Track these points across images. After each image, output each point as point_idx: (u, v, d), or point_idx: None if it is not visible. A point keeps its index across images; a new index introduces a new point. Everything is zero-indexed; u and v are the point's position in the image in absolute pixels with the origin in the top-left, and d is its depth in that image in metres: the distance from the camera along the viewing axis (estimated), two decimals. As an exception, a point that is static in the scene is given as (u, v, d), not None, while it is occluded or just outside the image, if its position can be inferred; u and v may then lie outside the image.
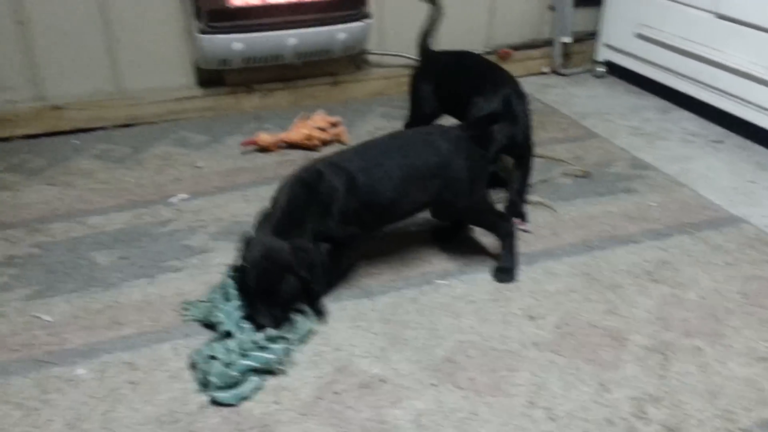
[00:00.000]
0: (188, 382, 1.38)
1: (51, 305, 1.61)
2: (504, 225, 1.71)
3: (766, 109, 2.31)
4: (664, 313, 1.57)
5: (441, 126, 1.76)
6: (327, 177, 1.52)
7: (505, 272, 1.69)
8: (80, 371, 1.42)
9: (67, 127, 2.47)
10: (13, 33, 2.35)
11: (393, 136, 1.68)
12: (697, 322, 1.55)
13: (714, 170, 2.25)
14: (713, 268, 1.74)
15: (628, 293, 1.65)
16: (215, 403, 1.33)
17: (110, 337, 1.51)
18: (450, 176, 1.59)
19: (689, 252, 1.80)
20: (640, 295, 1.64)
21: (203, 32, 2.39)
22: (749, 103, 2.37)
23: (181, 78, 2.62)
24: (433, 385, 1.38)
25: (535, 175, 2.17)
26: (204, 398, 1.34)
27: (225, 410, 1.32)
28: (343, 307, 1.59)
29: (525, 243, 1.84)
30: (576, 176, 2.19)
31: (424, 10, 2.82)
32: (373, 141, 1.65)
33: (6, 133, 2.40)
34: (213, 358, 1.37)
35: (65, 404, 1.34)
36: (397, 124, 2.53)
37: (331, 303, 1.59)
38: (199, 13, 2.38)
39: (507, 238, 1.70)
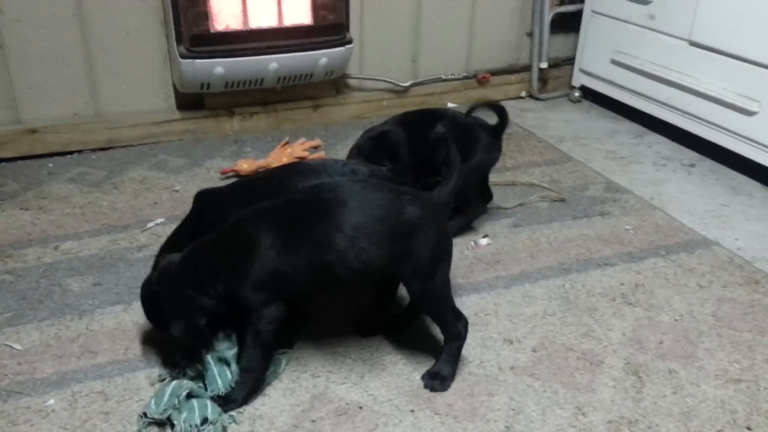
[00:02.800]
0: (162, 410, 1.36)
1: (22, 333, 1.58)
2: (457, 326, 1.43)
3: (737, 134, 2.36)
4: (639, 336, 1.59)
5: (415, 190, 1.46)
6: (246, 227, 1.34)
7: (438, 378, 1.43)
8: (51, 401, 1.39)
9: (43, 151, 2.44)
10: (-10, 56, 2.34)
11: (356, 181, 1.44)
12: (671, 344, 1.56)
13: (687, 194, 2.29)
14: (686, 291, 1.76)
15: (603, 316, 1.66)
16: None
17: (82, 366, 1.48)
18: (412, 250, 1.33)
19: (663, 275, 1.82)
20: (616, 317, 1.65)
21: (185, 57, 2.39)
22: (721, 128, 2.42)
23: (160, 101, 2.61)
24: (411, 411, 1.37)
25: (513, 199, 2.20)
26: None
27: (199, 439, 1.30)
28: (321, 333, 1.58)
29: (503, 266, 1.85)
30: (552, 200, 2.21)
31: (403, 36, 2.87)
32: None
33: (-19, 157, 2.38)
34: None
35: (35, 435, 1.31)
36: (376, 148, 2.55)
37: (307, 329, 1.58)
38: (180, 38, 2.39)
39: (455, 341, 1.44)
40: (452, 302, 1.44)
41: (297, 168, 1.63)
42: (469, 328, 1.58)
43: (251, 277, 1.31)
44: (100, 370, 1.47)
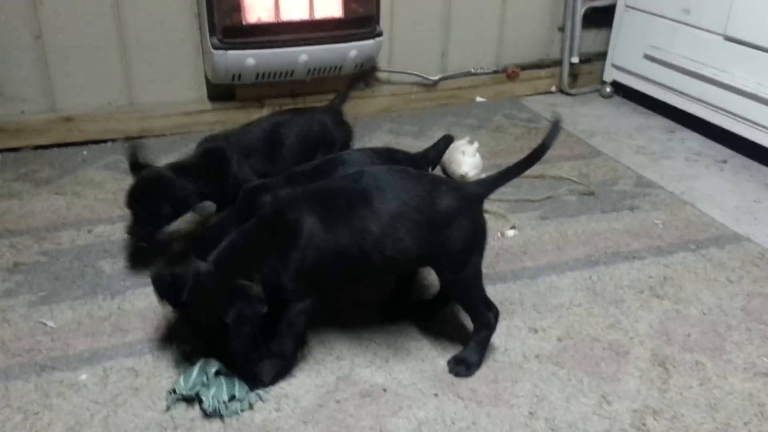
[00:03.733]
0: (190, 388, 1.39)
1: (56, 311, 1.62)
2: (487, 315, 1.43)
3: (771, 129, 2.32)
4: (666, 328, 1.57)
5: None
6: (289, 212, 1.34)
7: (464, 364, 1.43)
8: (83, 376, 1.43)
9: (78, 139, 2.50)
10: (30, 47, 2.40)
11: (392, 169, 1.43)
12: (699, 337, 1.55)
13: (719, 189, 2.25)
14: (716, 285, 1.73)
15: (630, 308, 1.64)
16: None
17: (113, 343, 1.52)
18: (447, 241, 1.34)
19: (692, 268, 1.80)
20: (643, 310, 1.64)
21: (217, 48, 2.42)
22: (755, 123, 2.38)
23: (192, 92, 2.66)
24: (434, 395, 1.38)
25: (541, 191, 2.19)
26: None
27: (226, 417, 1.32)
28: (346, 317, 1.59)
29: (529, 257, 1.85)
30: (581, 194, 2.20)
31: (433, 30, 2.88)
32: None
33: (17, 143, 2.44)
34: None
35: (67, 409, 1.35)
36: (405, 140, 2.56)
37: (333, 313, 1.60)
38: (213, 30, 2.42)
39: (484, 330, 1.43)
40: (483, 292, 1.44)
41: (342, 159, 1.63)
42: (494, 317, 1.58)
43: (294, 265, 1.31)
44: (130, 348, 1.50)
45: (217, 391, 1.32)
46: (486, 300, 1.44)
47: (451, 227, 1.33)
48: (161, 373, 1.43)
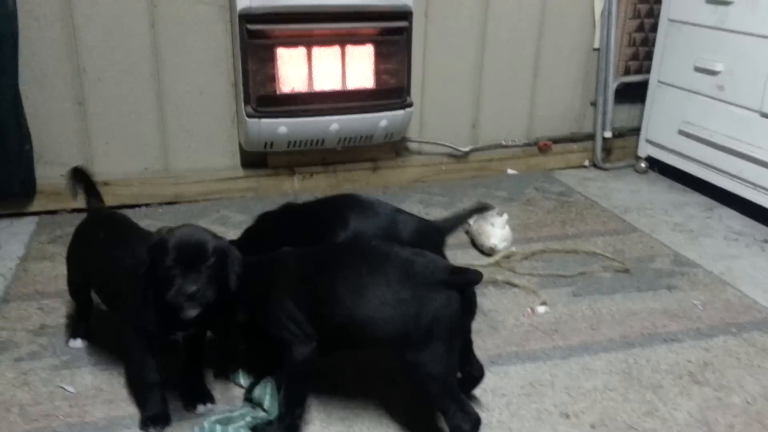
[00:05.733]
0: (204, 463, 1.34)
1: (77, 376, 1.60)
2: (458, 416, 1.28)
3: (814, 209, 2.25)
4: (707, 417, 1.48)
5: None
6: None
7: None
8: (98, 446, 1.39)
9: (113, 203, 2.53)
10: (72, 112, 2.48)
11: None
12: (742, 428, 1.45)
13: (760, 270, 2.17)
14: (760, 372, 1.64)
15: (669, 394, 1.56)
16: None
17: (131, 412, 1.49)
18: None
19: (734, 353, 1.72)
20: (682, 396, 1.55)
21: (251, 116, 2.48)
22: (796, 202, 2.31)
23: (226, 159, 2.70)
24: (458, 482, 1.30)
25: (573, 267, 2.14)
26: (219, 482, 1.30)
27: None
28: (368, 391, 1.54)
29: (561, 336, 1.78)
30: (616, 270, 2.14)
31: (464, 101, 2.90)
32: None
33: (54, 206, 2.49)
34: None
35: (79, 480, 1.31)
36: (435, 210, 2.55)
37: (353, 385, 1.54)
38: (248, 98, 2.48)
39: None
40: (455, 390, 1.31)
41: (351, 199, 1.75)
42: (524, 400, 1.52)
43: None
44: (147, 419, 1.46)
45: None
46: (462, 402, 1.30)
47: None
48: (176, 446, 1.39)
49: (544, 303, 1.93)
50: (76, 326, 1.74)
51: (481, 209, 1.94)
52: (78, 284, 1.69)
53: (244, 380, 1.56)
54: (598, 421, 1.47)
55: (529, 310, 1.90)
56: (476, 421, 1.28)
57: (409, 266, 1.31)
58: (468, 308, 1.33)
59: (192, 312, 1.33)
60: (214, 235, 1.37)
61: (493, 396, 1.54)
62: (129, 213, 2.49)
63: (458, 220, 1.81)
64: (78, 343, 1.72)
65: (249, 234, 1.80)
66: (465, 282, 1.30)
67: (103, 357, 1.67)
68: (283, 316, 1.37)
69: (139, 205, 2.56)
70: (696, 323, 1.85)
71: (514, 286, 2.03)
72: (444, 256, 1.65)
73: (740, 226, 2.50)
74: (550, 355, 1.70)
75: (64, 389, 1.56)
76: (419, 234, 1.68)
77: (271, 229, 1.77)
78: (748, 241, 2.38)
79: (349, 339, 1.37)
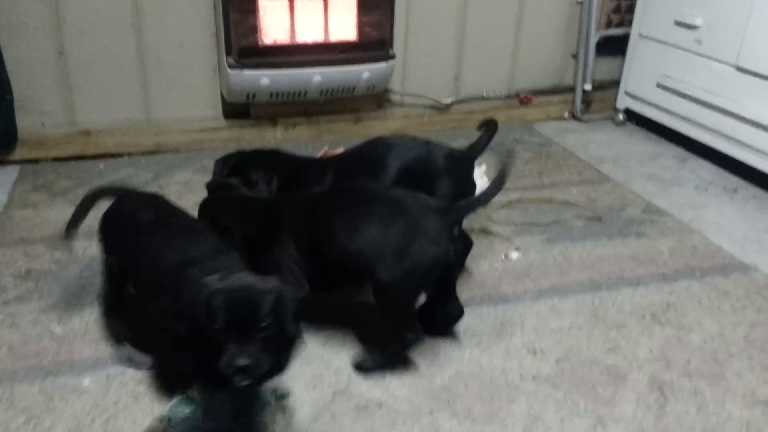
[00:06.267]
0: (189, 397, 1.41)
1: (64, 318, 1.66)
2: (409, 338, 1.46)
3: (783, 160, 2.32)
4: (666, 354, 1.57)
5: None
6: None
7: (362, 368, 1.50)
8: (86, 382, 1.46)
9: (95, 152, 2.56)
10: (53, 62, 2.47)
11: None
12: (699, 364, 1.54)
13: (728, 218, 2.25)
14: (719, 313, 1.73)
15: (631, 333, 1.64)
16: (213, 418, 1.35)
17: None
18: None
19: (696, 296, 1.80)
20: (644, 335, 1.64)
21: (233, 67, 2.48)
22: (766, 154, 2.37)
23: (208, 110, 2.71)
24: (429, 412, 1.39)
25: (548, 216, 2.20)
26: (202, 413, 1.37)
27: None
28: (347, 332, 1.61)
29: (532, 280, 1.86)
30: (588, 219, 2.20)
31: (446, 54, 2.92)
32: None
33: (36, 155, 2.51)
34: None
35: (69, 413, 1.38)
36: (414, 162, 2.59)
37: (334, 327, 1.61)
38: (230, 50, 2.48)
39: (399, 348, 1.49)
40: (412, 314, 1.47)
41: (383, 142, 1.77)
42: (494, 338, 1.60)
43: None
44: (133, 356, 1.53)
45: None
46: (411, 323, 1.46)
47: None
48: (162, 382, 1.45)
49: (517, 249, 2.00)
50: (111, 313, 1.58)
51: (492, 129, 1.86)
52: (113, 274, 1.53)
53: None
54: (563, 356, 1.55)
55: (503, 256, 1.97)
56: (419, 338, 1.46)
57: (400, 207, 1.40)
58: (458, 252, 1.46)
59: (244, 382, 1.17)
60: (263, 280, 1.21)
61: (465, 335, 1.62)
62: (111, 162, 2.53)
63: (482, 146, 1.82)
64: (128, 348, 1.53)
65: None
66: (451, 223, 1.40)
67: (88, 300, 1.72)
68: (286, 256, 1.45)
69: (120, 155, 2.58)
70: (662, 268, 1.93)
71: (490, 233, 2.09)
72: (472, 180, 1.78)
73: (711, 176, 2.57)
74: (520, 297, 1.78)
75: (52, 330, 1.61)
76: (451, 160, 1.73)
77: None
78: (717, 191, 2.45)
79: (344, 272, 1.46)
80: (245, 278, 1.21)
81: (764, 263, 1.97)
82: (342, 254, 1.41)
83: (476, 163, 2.29)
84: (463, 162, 1.77)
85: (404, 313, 1.45)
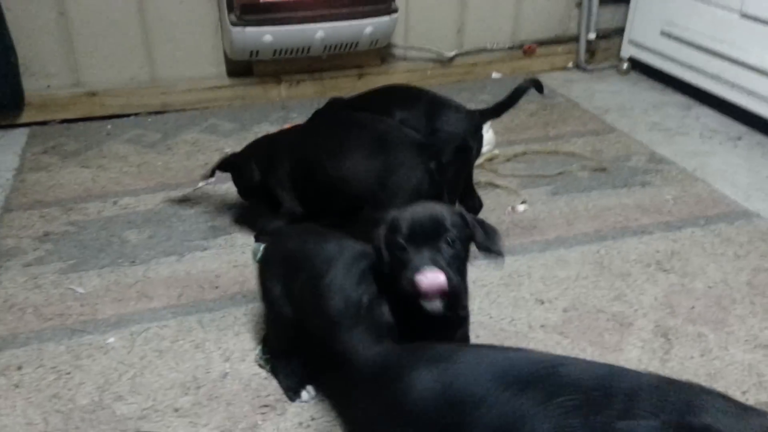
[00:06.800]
0: (212, 351, 1.47)
1: (84, 278, 1.70)
2: None
3: (787, 107, 2.33)
4: (671, 301, 1.61)
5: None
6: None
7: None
8: (111, 339, 1.51)
9: (102, 113, 2.58)
10: (55, 23, 2.46)
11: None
12: (703, 309, 1.59)
13: (732, 166, 2.27)
14: (723, 259, 1.77)
15: (636, 281, 1.69)
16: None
17: (139, 309, 1.60)
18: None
19: (700, 243, 1.84)
20: (649, 283, 1.68)
21: (235, 25, 2.47)
22: (771, 101, 2.38)
23: (212, 68, 2.71)
24: (442, 361, 1.44)
25: (554, 167, 2.23)
26: (226, 366, 1.43)
27: (245, 378, 1.40)
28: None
29: (539, 231, 1.89)
30: (593, 170, 2.23)
31: (449, 6, 2.89)
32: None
33: (44, 117, 2.52)
34: None
35: (96, 369, 1.43)
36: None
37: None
38: (231, 7, 2.47)
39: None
40: None
41: (393, 90, 1.94)
42: (503, 289, 1.65)
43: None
44: (155, 314, 1.58)
45: None
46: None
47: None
48: (184, 337, 1.51)
49: (524, 202, 2.03)
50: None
51: (522, 91, 1.79)
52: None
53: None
54: (570, 305, 1.60)
55: (509, 208, 2.01)
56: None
57: (383, 137, 1.54)
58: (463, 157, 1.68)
59: (433, 302, 1.07)
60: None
61: (474, 286, 1.66)
62: (118, 123, 2.54)
63: (497, 108, 1.79)
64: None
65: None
66: (429, 156, 1.52)
67: (107, 260, 1.77)
68: (282, 176, 1.68)
69: (127, 115, 2.60)
70: (666, 216, 1.97)
71: (497, 186, 2.12)
72: (480, 138, 1.82)
73: (716, 124, 2.58)
74: (528, 249, 1.82)
75: (74, 290, 1.66)
76: (458, 116, 1.76)
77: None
78: (722, 138, 2.47)
79: (330, 198, 1.63)
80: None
81: (767, 209, 2.00)
82: (329, 181, 1.59)
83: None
84: (471, 119, 1.78)
85: None
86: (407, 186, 1.48)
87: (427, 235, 1.08)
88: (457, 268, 1.10)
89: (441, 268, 1.05)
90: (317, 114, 2.00)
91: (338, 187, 1.59)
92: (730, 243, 1.84)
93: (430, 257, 1.06)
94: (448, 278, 1.05)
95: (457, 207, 1.30)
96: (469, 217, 1.14)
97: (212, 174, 1.83)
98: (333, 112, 1.95)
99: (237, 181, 1.86)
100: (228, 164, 1.82)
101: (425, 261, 1.06)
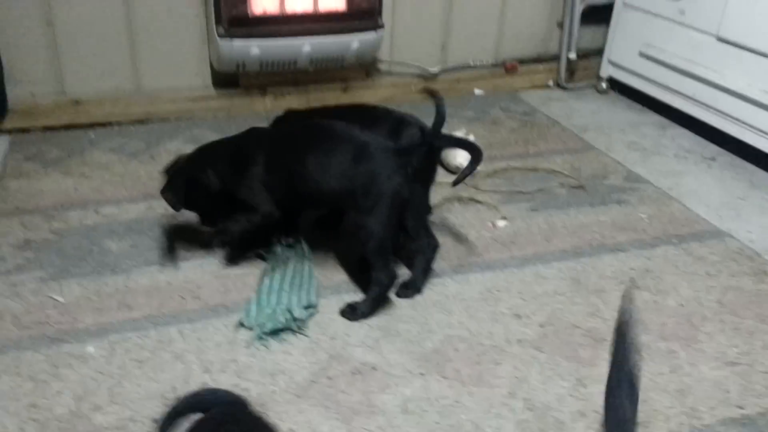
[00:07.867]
0: (192, 362, 1.48)
1: (64, 287, 1.70)
2: (385, 275, 1.62)
3: (760, 129, 2.39)
4: (644, 318, 1.65)
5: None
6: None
7: (352, 310, 1.63)
8: (90, 349, 1.51)
9: (85, 121, 2.57)
10: (41, 32, 2.46)
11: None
12: (674, 327, 1.63)
13: (705, 186, 2.33)
14: (694, 278, 1.82)
15: (611, 298, 1.73)
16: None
17: (119, 318, 1.60)
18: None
19: (673, 262, 1.88)
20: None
21: (223, 37, 2.49)
22: (743, 123, 2.45)
23: (197, 79, 2.73)
24: (421, 374, 1.46)
25: (533, 184, 2.27)
26: (206, 377, 1.44)
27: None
28: (341, 300, 1.67)
29: (518, 247, 1.93)
30: (572, 187, 2.27)
31: (433, 23, 2.94)
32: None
33: (27, 124, 2.52)
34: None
35: (75, 378, 1.43)
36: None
37: (330, 295, 1.68)
38: (219, 19, 2.49)
39: (378, 292, 1.63)
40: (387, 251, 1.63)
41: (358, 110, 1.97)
42: (482, 303, 1.67)
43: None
44: (135, 323, 1.59)
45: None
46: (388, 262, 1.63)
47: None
48: (164, 348, 1.51)
49: (504, 218, 2.07)
50: None
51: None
52: None
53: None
54: (546, 321, 1.64)
55: (490, 224, 2.04)
56: (393, 277, 1.63)
57: (364, 147, 1.60)
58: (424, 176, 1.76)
59: None
60: None
61: (454, 300, 1.70)
62: (101, 131, 2.55)
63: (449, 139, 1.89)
64: None
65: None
66: (407, 163, 1.60)
67: (88, 269, 1.77)
68: (255, 183, 1.69)
69: (110, 124, 2.60)
70: (641, 235, 2.01)
71: (478, 202, 2.15)
72: (438, 160, 1.93)
73: (690, 144, 2.64)
74: (507, 264, 1.85)
75: (54, 299, 1.66)
76: (420, 135, 1.79)
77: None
78: (696, 158, 2.53)
79: (313, 202, 1.73)
80: None
81: (738, 230, 2.05)
82: (314, 190, 1.64)
83: (463, 131, 2.35)
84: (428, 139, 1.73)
85: (379, 250, 1.60)
86: (389, 191, 1.57)
87: None
88: None
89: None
90: (279, 121, 2.01)
91: (320, 193, 1.64)
92: (701, 262, 1.89)
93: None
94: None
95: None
96: None
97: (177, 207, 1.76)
98: (302, 121, 1.93)
99: (180, 193, 1.73)
100: (180, 178, 1.73)
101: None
